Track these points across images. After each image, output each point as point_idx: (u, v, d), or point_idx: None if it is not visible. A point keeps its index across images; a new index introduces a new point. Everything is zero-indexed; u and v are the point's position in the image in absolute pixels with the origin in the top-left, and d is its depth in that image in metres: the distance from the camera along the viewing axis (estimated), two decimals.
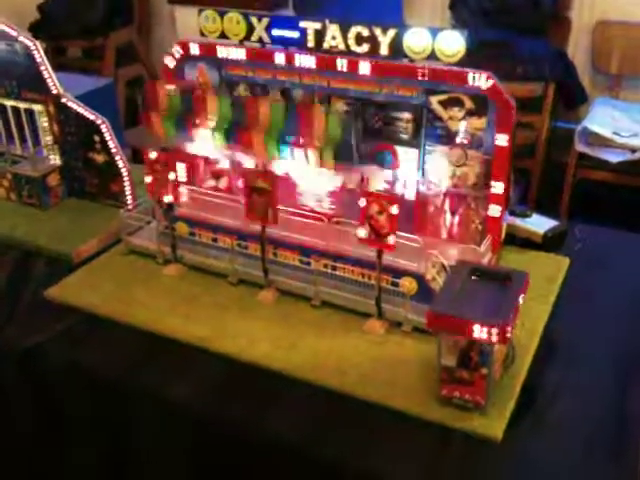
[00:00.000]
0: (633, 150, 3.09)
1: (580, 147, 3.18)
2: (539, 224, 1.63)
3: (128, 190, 1.76)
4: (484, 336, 1.08)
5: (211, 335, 1.37)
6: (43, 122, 1.82)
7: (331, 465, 1.15)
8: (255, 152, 1.47)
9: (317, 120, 1.39)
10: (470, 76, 1.32)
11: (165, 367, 1.33)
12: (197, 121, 1.50)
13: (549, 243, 1.60)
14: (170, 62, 1.61)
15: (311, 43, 1.43)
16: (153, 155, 1.49)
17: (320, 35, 1.42)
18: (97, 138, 1.73)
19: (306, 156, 1.42)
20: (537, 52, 3.35)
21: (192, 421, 1.27)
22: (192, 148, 1.58)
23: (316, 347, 1.33)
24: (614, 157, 3.11)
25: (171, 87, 1.53)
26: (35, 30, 4.13)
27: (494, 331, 1.07)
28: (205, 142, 1.53)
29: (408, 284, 1.36)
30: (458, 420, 1.16)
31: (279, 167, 1.48)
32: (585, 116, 3.33)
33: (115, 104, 2.02)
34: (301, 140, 1.42)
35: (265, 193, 1.37)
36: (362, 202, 1.28)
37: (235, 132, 1.49)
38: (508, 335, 1.09)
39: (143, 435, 1.35)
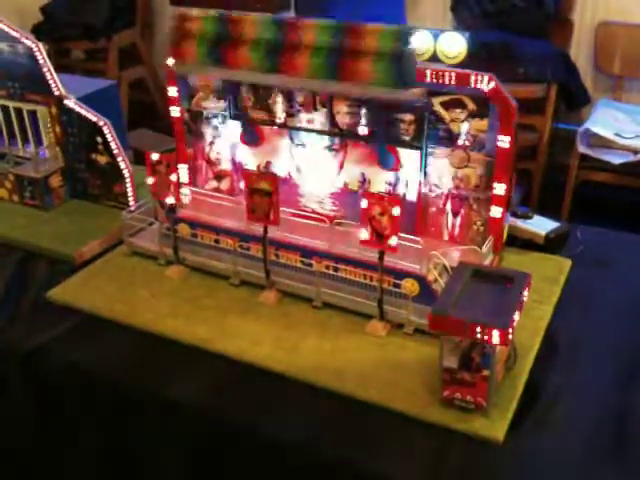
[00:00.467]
0: (635, 152, 3.08)
1: (582, 149, 3.18)
2: (541, 225, 1.63)
3: (130, 192, 1.76)
4: (486, 338, 1.08)
5: (213, 336, 1.37)
6: (45, 123, 1.82)
7: (332, 466, 1.15)
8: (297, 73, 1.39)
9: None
10: (472, 78, 1.32)
11: (167, 368, 1.33)
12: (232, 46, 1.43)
13: (551, 244, 1.60)
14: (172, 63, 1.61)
15: None
16: (155, 156, 1.49)
17: None
18: (99, 139, 1.73)
19: None
20: (539, 53, 3.34)
21: (193, 421, 1.27)
22: (226, 74, 1.52)
23: (318, 348, 1.33)
24: (616, 159, 3.11)
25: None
26: (38, 32, 4.14)
27: (496, 333, 1.07)
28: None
29: (410, 286, 1.36)
30: (460, 421, 1.16)
31: (282, 166, 1.48)
32: (587, 118, 3.32)
33: (118, 106, 2.02)
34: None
35: (267, 195, 1.37)
36: (364, 203, 1.28)
37: (276, 54, 1.42)
38: (510, 337, 1.09)
39: (144, 435, 1.35)
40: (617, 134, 3.12)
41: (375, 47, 1.32)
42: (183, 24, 1.51)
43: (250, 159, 1.67)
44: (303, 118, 1.56)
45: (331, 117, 1.52)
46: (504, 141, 1.36)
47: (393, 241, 1.28)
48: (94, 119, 1.72)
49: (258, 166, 1.66)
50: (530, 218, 1.64)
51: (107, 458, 1.42)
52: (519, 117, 1.35)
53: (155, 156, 1.49)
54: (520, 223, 1.62)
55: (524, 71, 3.29)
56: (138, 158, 1.79)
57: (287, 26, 1.40)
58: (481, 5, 3.50)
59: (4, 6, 3.93)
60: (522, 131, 3.33)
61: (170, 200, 1.51)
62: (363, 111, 1.48)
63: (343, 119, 1.51)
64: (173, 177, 1.49)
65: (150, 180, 1.51)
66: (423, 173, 1.48)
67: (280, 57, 1.40)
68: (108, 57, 4.26)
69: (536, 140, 3.42)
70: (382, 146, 1.49)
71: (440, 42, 1.31)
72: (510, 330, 1.08)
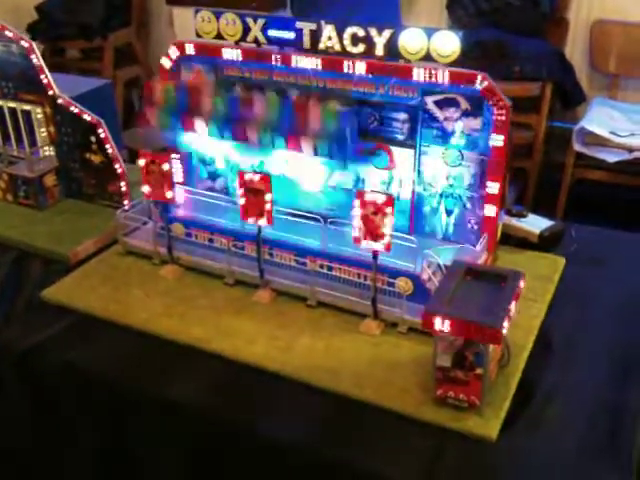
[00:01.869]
0: (630, 150, 3.09)
1: (577, 147, 3.18)
2: (535, 224, 1.63)
3: (125, 191, 1.76)
4: (478, 336, 1.08)
5: (207, 335, 1.37)
6: (39, 123, 1.82)
7: (327, 465, 1.15)
8: (250, 145, 1.51)
9: (313, 114, 1.40)
10: (465, 77, 1.32)
11: (162, 367, 1.33)
12: (193, 115, 1.53)
13: (545, 243, 1.60)
14: (166, 63, 1.61)
15: (307, 44, 1.43)
16: (149, 156, 1.48)
17: (316, 36, 1.42)
18: (93, 139, 1.73)
19: (300, 150, 1.44)
20: (535, 52, 3.34)
21: (188, 421, 1.27)
22: (186, 142, 1.59)
23: (312, 347, 1.33)
24: (611, 157, 3.11)
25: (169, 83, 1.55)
26: (33, 31, 4.13)
27: (488, 331, 1.07)
28: (200, 136, 1.54)
29: (404, 284, 1.36)
30: (453, 420, 1.16)
31: (275, 165, 1.48)
32: (583, 116, 3.33)
33: (112, 105, 2.01)
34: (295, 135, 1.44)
35: (260, 194, 1.37)
36: (357, 202, 1.28)
37: (230, 126, 1.51)
38: (502, 335, 1.09)
39: (140, 435, 1.35)
40: (612, 132, 3.13)
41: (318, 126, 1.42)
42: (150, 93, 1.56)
43: (244, 158, 1.67)
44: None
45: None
46: (498, 140, 1.37)
47: (387, 240, 1.28)
48: (88, 118, 1.72)
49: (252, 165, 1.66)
50: (524, 216, 1.64)
51: (104, 458, 1.41)
52: (514, 115, 1.35)
53: (149, 155, 1.49)
54: (514, 222, 1.63)
55: (519, 69, 3.29)
56: (132, 157, 1.79)
57: (239, 101, 1.50)
58: (476, 3, 3.50)
59: None
60: (517, 129, 3.33)
61: (164, 199, 1.51)
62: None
63: None
64: (167, 176, 1.49)
65: (144, 179, 1.51)
66: (417, 172, 1.48)
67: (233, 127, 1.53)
68: (104, 56, 4.25)
69: (531, 138, 3.42)
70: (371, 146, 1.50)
71: (433, 41, 1.31)
72: (503, 329, 1.08)
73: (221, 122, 1.53)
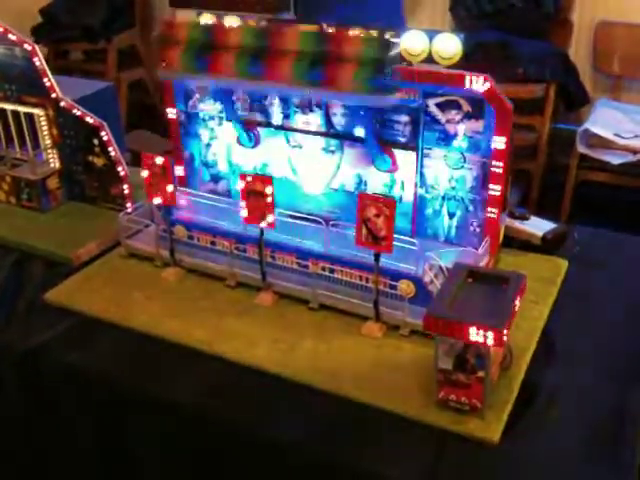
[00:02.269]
0: (635, 152, 3.08)
1: (581, 149, 3.17)
2: (538, 226, 1.62)
3: (127, 193, 1.76)
4: (480, 339, 1.08)
5: (209, 338, 1.37)
6: (42, 125, 1.82)
7: (327, 467, 1.15)
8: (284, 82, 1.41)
9: (352, 41, 1.35)
10: (467, 79, 1.32)
11: (163, 370, 1.33)
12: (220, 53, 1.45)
13: (548, 245, 1.60)
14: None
15: None
16: (152, 158, 1.49)
17: None
18: (96, 141, 1.74)
19: (337, 84, 1.36)
20: (538, 53, 3.34)
21: (189, 423, 1.27)
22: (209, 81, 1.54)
23: (314, 350, 1.33)
24: (615, 159, 3.10)
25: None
26: (37, 33, 4.15)
27: (490, 334, 1.07)
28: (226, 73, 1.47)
29: (406, 287, 1.36)
30: (455, 423, 1.16)
31: (277, 167, 1.47)
32: (586, 118, 3.32)
33: (115, 107, 2.01)
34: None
35: (262, 196, 1.37)
36: (359, 205, 1.28)
37: (261, 62, 1.43)
38: (504, 338, 1.08)
39: (140, 437, 1.35)
40: (616, 134, 3.12)
41: (357, 53, 1.34)
42: (169, 31, 1.51)
43: (246, 161, 1.67)
44: (299, 120, 1.56)
45: (327, 118, 1.52)
46: (500, 142, 1.36)
47: (389, 242, 1.28)
48: (91, 121, 1.72)
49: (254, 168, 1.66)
50: (527, 219, 1.64)
51: (105, 459, 1.42)
52: (518, 117, 1.35)
53: (152, 157, 1.49)
54: (517, 224, 1.62)
55: (523, 71, 3.29)
56: (135, 160, 1.79)
57: (270, 33, 1.41)
58: (479, 5, 3.50)
59: (3, 8, 3.94)
60: (521, 131, 3.33)
61: (167, 202, 1.51)
62: (359, 112, 1.48)
63: (339, 120, 1.51)
64: (170, 179, 1.49)
65: (147, 182, 1.51)
66: (419, 174, 1.48)
67: (264, 64, 1.42)
68: (107, 58, 4.26)
69: (535, 140, 3.42)
70: (377, 148, 1.49)
71: (435, 43, 1.31)
72: (505, 331, 1.08)
73: (251, 58, 1.43)
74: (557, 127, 3.57)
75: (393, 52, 1.33)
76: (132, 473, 1.40)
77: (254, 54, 1.43)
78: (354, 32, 1.37)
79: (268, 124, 1.59)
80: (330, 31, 1.40)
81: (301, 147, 1.58)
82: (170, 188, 1.49)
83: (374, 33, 1.37)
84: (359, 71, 1.33)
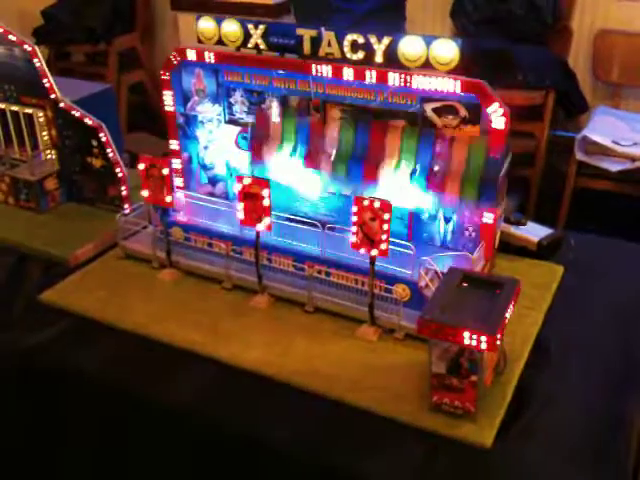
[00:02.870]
0: (633, 159, 3.08)
1: (580, 156, 3.18)
2: (534, 232, 1.63)
3: (125, 195, 1.76)
4: (474, 343, 1.08)
5: (204, 340, 1.37)
6: (41, 126, 1.82)
7: (321, 470, 1.15)
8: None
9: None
10: (464, 84, 1.33)
11: (159, 371, 1.33)
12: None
13: (544, 251, 1.60)
14: (167, 68, 1.62)
15: (307, 50, 1.44)
16: (149, 160, 1.49)
17: (316, 42, 1.42)
18: (95, 143, 1.74)
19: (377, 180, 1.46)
20: (538, 60, 3.35)
21: (184, 425, 1.27)
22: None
23: (309, 353, 1.34)
24: (614, 166, 3.10)
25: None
26: (39, 35, 4.15)
27: (483, 338, 1.08)
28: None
29: (401, 291, 1.36)
30: (448, 427, 1.16)
31: (274, 172, 1.48)
32: (585, 125, 3.32)
33: (114, 109, 2.02)
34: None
35: (259, 199, 1.38)
36: (355, 208, 1.28)
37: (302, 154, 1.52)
38: (497, 343, 1.09)
39: (137, 437, 1.35)
40: (615, 142, 3.12)
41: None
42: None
43: (244, 163, 1.67)
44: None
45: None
46: (496, 147, 1.37)
47: (384, 246, 1.28)
48: (90, 122, 1.72)
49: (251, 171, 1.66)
50: (524, 225, 1.64)
51: (102, 459, 1.42)
52: (517, 124, 1.35)
53: (149, 160, 1.49)
54: (513, 229, 1.63)
55: (523, 78, 3.30)
56: (134, 161, 1.80)
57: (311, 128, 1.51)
58: (480, 12, 3.50)
59: (5, 9, 3.95)
60: (520, 138, 3.33)
61: (164, 204, 1.52)
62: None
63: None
64: (167, 181, 1.49)
65: (144, 184, 1.51)
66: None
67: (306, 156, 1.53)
68: (108, 61, 4.27)
69: (534, 147, 3.42)
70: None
71: (433, 48, 1.32)
72: (498, 336, 1.08)
73: (292, 150, 1.55)
74: (556, 134, 3.58)
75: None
76: (130, 474, 1.40)
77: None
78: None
79: None
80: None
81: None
82: (167, 190, 1.49)
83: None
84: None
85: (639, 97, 3.56)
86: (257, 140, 1.58)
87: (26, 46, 1.74)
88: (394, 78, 1.37)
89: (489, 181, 1.38)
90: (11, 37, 1.74)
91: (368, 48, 1.38)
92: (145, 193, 1.52)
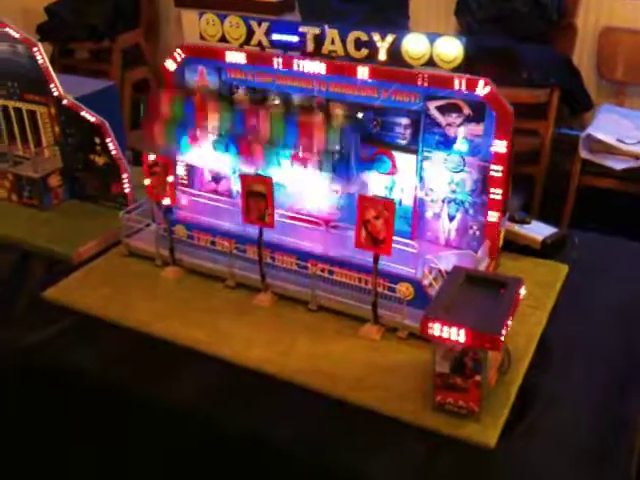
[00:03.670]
0: (637, 157, 3.07)
1: (584, 154, 3.16)
2: (538, 231, 1.62)
3: (128, 192, 1.76)
4: (477, 343, 1.08)
5: (207, 338, 1.37)
6: (45, 123, 1.82)
7: (324, 469, 1.15)
8: (255, 162, 1.49)
9: (317, 131, 1.40)
10: (467, 82, 1.32)
11: (161, 369, 1.33)
12: (197, 130, 1.52)
13: (548, 250, 1.60)
14: (171, 65, 1.61)
15: (310, 48, 1.44)
16: (153, 158, 1.49)
17: (319, 40, 1.42)
18: (98, 140, 1.74)
19: (305, 167, 1.43)
20: (542, 58, 3.33)
21: (187, 423, 1.27)
22: (192, 157, 1.58)
23: (311, 351, 1.33)
24: (618, 164, 3.09)
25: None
26: (43, 32, 4.15)
27: (487, 338, 1.07)
28: (205, 151, 1.54)
29: (405, 290, 1.36)
30: (452, 427, 1.16)
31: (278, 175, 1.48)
32: (590, 123, 3.31)
33: (117, 106, 2.01)
34: (300, 152, 1.43)
35: (262, 197, 1.37)
36: (359, 207, 1.27)
37: (236, 141, 1.50)
38: (501, 342, 1.08)
39: (140, 436, 1.35)
40: (619, 140, 3.11)
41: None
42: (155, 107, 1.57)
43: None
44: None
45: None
46: (500, 146, 1.36)
47: (388, 245, 1.28)
48: (93, 120, 1.72)
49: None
50: (528, 223, 1.64)
51: (105, 457, 1.42)
52: (521, 122, 1.35)
53: (153, 157, 1.49)
54: (517, 228, 1.62)
55: (527, 76, 3.28)
56: (137, 159, 1.79)
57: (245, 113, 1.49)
58: (484, 10, 3.49)
59: (9, 6, 3.95)
60: (524, 136, 3.32)
61: (167, 201, 1.51)
62: (359, 114, 1.48)
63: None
64: (170, 178, 1.49)
65: (147, 181, 1.51)
66: (419, 177, 1.48)
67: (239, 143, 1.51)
68: (112, 58, 4.26)
69: (538, 145, 3.41)
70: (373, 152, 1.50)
71: (436, 46, 1.31)
72: (502, 336, 1.08)
73: (227, 137, 1.52)
74: (560, 132, 3.57)
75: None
76: (133, 471, 1.40)
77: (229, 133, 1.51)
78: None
79: None
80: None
81: None
82: (170, 188, 1.49)
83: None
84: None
85: None
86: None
87: (29, 43, 1.74)
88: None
89: None
90: (14, 34, 1.74)
91: (371, 46, 1.37)
92: (148, 191, 1.52)
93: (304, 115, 1.45)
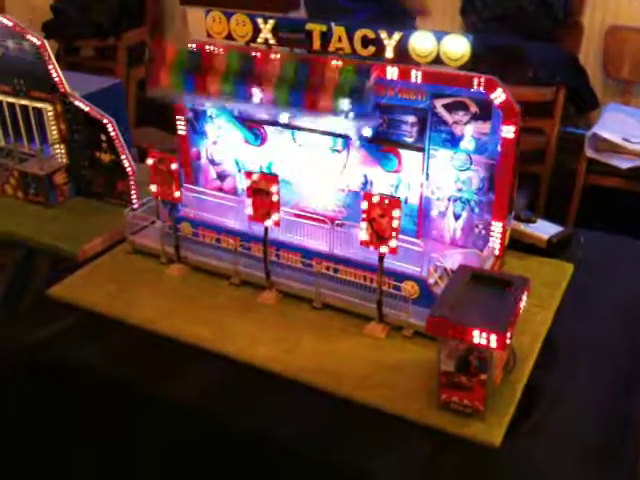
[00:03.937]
0: None
1: (590, 153, 3.16)
2: (544, 230, 1.62)
3: (133, 190, 1.76)
4: (483, 342, 1.08)
5: (212, 336, 1.37)
6: (50, 121, 1.83)
7: (329, 467, 1.15)
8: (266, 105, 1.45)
9: (330, 70, 1.38)
10: (474, 80, 1.32)
11: (166, 366, 1.33)
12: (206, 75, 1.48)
13: (553, 249, 1.59)
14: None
15: (317, 45, 1.43)
16: (158, 155, 1.49)
17: (326, 37, 1.42)
18: (103, 137, 1.74)
19: (318, 108, 1.39)
20: (548, 57, 3.33)
21: (191, 420, 1.27)
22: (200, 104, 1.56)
23: (316, 350, 1.33)
24: (624, 163, 3.08)
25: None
26: (48, 29, 4.15)
27: (493, 337, 1.07)
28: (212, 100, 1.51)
29: (410, 288, 1.36)
30: (457, 425, 1.15)
31: (282, 168, 1.47)
32: (595, 122, 3.31)
33: (123, 104, 2.02)
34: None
35: (268, 195, 1.37)
36: (364, 205, 1.27)
37: (244, 86, 1.46)
38: (507, 341, 1.08)
39: (144, 433, 1.35)
40: (625, 139, 3.10)
41: (336, 81, 1.36)
42: (160, 55, 1.54)
43: (253, 159, 1.67)
44: (306, 119, 1.55)
45: None
46: (507, 144, 1.36)
47: (393, 243, 1.27)
48: (98, 117, 1.72)
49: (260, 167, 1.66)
50: (533, 222, 1.63)
51: (109, 454, 1.42)
52: (527, 120, 1.34)
53: (158, 155, 1.49)
54: (523, 227, 1.62)
55: (533, 74, 3.28)
56: (142, 156, 1.79)
57: (254, 59, 1.44)
58: (490, 9, 3.48)
59: (15, 3, 3.95)
60: (530, 134, 3.31)
61: (172, 199, 1.51)
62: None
63: None
64: (175, 176, 1.49)
65: (153, 179, 1.51)
66: (425, 175, 1.48)
67: (247, 87, 1.45)
68: (117, 55, 4.27)
69: (544, 143, 3.40)
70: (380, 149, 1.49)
71: (443, 44, 1.31)
72: (508, 334, 1.08)
73: (235, 82, 1.46)
74: (566, 131, 3.56)
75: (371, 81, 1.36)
76: (137, 468, 1.40)
77: (238, 79, 1.46)
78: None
79: (274, 122, 1.59)
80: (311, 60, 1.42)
81: (307, 146, 1.58)
82: (176, 185, 1.49)
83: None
84: (337, 98, 1.37)
85: None
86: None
87: (35, 40, 1.74)
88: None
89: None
90: (21, 31, 1.74)
91: (378, 43, 1.37)
92: (154, 188, 1.52)
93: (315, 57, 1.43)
